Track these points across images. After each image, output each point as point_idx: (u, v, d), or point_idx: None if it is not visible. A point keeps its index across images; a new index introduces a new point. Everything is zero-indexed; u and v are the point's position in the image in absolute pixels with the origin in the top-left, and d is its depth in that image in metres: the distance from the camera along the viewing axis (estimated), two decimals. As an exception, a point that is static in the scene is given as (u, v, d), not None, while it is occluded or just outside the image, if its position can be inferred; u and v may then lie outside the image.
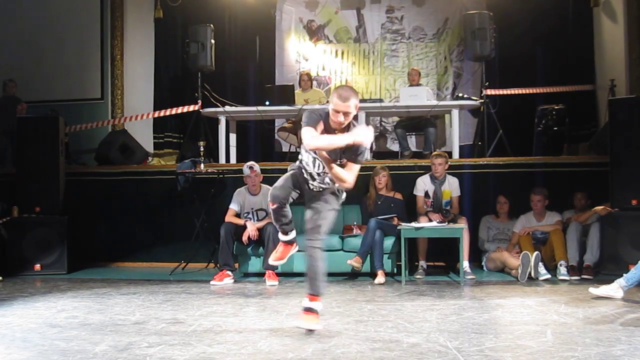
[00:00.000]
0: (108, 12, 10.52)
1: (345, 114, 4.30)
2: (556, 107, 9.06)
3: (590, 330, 4.47)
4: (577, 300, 5.70)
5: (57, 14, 10.50)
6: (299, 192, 4.73)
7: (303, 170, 4.69)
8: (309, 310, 4.58)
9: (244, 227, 7.36)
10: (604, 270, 7.08)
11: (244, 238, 7.31)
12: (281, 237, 4.92)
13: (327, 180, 4.64)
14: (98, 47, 10.51)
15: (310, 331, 4.50)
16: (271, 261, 5.04)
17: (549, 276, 6.96)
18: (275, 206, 4.64)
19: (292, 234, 4.90)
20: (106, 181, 9.06)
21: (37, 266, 7.94)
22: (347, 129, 4.44)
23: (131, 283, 7.17)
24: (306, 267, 4.62)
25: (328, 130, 4.43)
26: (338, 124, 4.34)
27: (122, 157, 9.30)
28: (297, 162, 4.77)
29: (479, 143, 9.24)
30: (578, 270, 7.09)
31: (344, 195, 4.82)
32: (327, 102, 9.41)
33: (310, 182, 4.69)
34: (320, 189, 4.70)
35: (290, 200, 4.69)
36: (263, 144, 11.05)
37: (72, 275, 7.93)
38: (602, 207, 7.23)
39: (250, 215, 7.59)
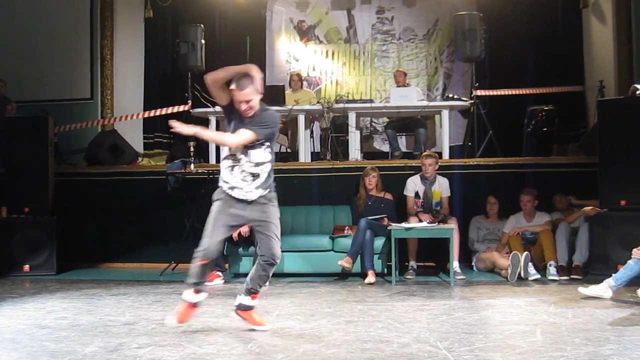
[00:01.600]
0: (98, 11, 10.45)
1: (247, 102, 4.42)
2: (546, 108, 9.09)
3: (579, 330, 4.49)
4: (567, 300, 5.72)
5: (46, 13, 10.43)
6: (234, 225, 4.64)
7: (227, 190, 4.56)
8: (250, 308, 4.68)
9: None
10: (593, 270, 7.10)
11: (234, 234, 7.29)
12: (190, 296, 4.62)
13: (253, 186, 4.53)
14: (88, 46, 10.44)
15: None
16: (168, 322, 4.62)
17: (538, 276, 6.99)
18: (205, 262, 4.55)
19: (204, 295, 4.70)
20: (96, 181, 9.02)
21: (26, 267, 7.90)
22: (257, 118, 4.50)
23: (121, 284, 7.15)
24: (260, 276, 4.62)
25: (242, 120, 4.49)
26: (244, 112, 4.46)
27: (111, 158, 9.26)
28: (220, 186, 4.64)
29: (469, 144, 9.28)
30: (567, 271, 7.12)
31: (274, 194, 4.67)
32: (318, 102, 9.57)
33: (238, 197, 4.53)
34: (251, 200, 4.54)
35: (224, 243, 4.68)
36: (253, 144, 11.01)
37: (61, 276, 7.90)
38: (590, 207, 7.26)
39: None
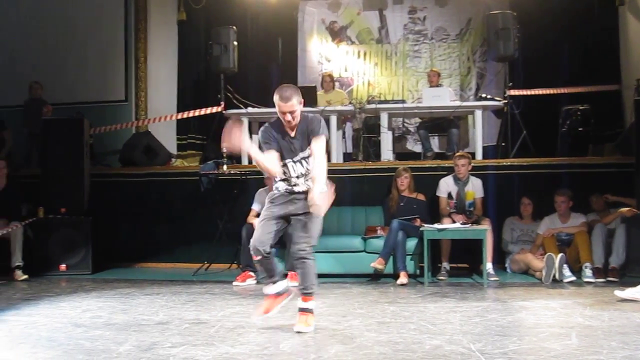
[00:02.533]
0: (132, 14, 10.60)
1: (291, 112, 4.50)
2: (581, 108, 8.96)
3: (615, 334, 4.41)
4: (603, 303, 5.63)
5: (81, 16, 10.61)
6: (284, 223, 4.73)
7: (285, 187, 4.71)
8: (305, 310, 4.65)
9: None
10: (630, 272, 6.99)
11: None
12: (268, 289, 4.81)
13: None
14: (122, 49, 10.60)
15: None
16: (255, 317, 4.87)
17: (573, 278, 6.89)
18: (258, 258, 4.63)
19: (282, 284, 4.83)
20: (130, 182, 9.14)
21: (62, 266, 8.04)
22: (299, 127, 4.58)
23: (155, 283, 7.22)
24: (301, 272, 4.64)
25: (283, 133, 4.58)
26: (288, 123, 4.54)
27: (145, 159, 9.37)
28: (276, 185, 4.77)
29: (503, 144, 9.17)
30: (603, 273, 7.01)
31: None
32: (350, 103, 9.57)
33: (295, 190, 4.69)
34: (304, 192, 4.68)
35: (276, 240, 4.70)
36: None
37: (96, 275, 8.02)
38: (627, 208, 7.14)
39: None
